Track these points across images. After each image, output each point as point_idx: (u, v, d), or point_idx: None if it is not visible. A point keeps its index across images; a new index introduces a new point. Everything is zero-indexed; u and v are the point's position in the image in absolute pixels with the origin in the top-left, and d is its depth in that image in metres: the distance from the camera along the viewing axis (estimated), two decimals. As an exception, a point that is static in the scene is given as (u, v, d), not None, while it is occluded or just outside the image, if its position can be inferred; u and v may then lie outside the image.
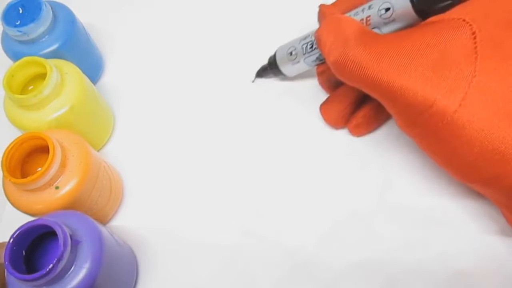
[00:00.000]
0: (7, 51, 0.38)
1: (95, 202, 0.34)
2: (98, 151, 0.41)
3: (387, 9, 0.31)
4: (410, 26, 0.31)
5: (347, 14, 0.33)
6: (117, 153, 0.41)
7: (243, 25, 0.45)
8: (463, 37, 0.28)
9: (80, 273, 0.28)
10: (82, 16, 0.41)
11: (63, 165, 0.32)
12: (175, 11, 0.47)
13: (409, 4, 0.30)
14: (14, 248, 0.28)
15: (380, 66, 0.29)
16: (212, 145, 0.40)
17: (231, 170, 0.39)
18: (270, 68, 0.40)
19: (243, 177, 0.39)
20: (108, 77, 0.45)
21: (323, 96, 0.39)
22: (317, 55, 0.35)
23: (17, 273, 0.27)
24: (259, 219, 0.37)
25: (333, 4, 0.37)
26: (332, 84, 0.38)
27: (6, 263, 0.27)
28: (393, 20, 0.31)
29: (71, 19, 0.39)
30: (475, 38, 0.28)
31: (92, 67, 0.43)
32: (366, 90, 0.31)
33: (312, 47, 0.35)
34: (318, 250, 0.35)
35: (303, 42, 0.36)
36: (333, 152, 0.39)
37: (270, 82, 0.42)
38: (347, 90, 0.36)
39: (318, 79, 0.39)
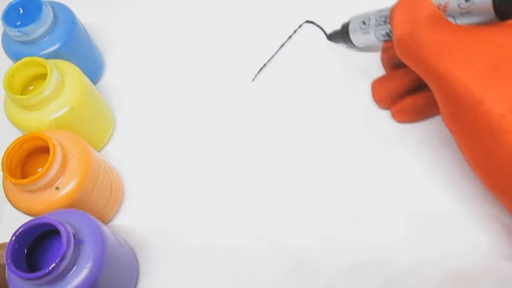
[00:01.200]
0: (7, 51, 0.38)
1: (96, 203, 0.34)
2: (98, 151, 0.41)
3: (467, 0, 0.31)
4: (486, 23, 0.31)
5: None
6: (118, 154, 0.41)
7: (243, 25, 0.45)
8: None
9: (82, 273, 0.28)
10: (83, 17, 0.41)
11: (63, 166, 0.32)
12: (176, 11, 0.47)
13: (489, 0, 0.30)
14: (16, 246, 0.28)
15: (439, 52, 0.29)
16: (212, 145, 0.40)
17: (231, 170, 0.39)
18: (341, 34, 0.41)
19: (244, 177, 0.39)
20: (109, 77, 0.45)
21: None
22: (387, 30, 0.36)
23: (19, 271, 0.27)
24: (260, 219, 0.37)
25: None
26: (393, 63, 0.38)
27: (8, 261, 0.27)
28: (470, 13, 0.31)
29: (71, 20, 0.39)
30: None
31: (92, 67, 0.43)
32: (420, 73, 0.31)
33: (385, 21, 0.36)
34: (319, 250, 0.35)
35: (378, 14, 0.37)
36: (335, 153, 0.39)
37: (270, 81, 0.42)
38: (405, 73, 0.37)
39: (382, 55, 0.39)
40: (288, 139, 0.40)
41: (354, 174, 0.38)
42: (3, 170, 0.31)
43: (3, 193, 0.33)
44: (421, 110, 0.38)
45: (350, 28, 0.40)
